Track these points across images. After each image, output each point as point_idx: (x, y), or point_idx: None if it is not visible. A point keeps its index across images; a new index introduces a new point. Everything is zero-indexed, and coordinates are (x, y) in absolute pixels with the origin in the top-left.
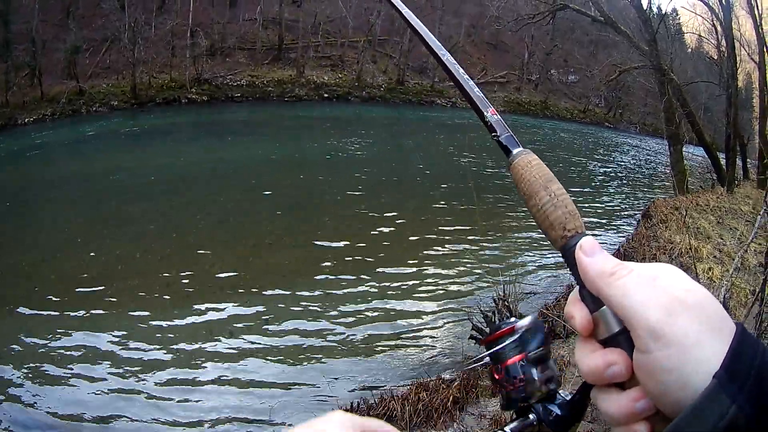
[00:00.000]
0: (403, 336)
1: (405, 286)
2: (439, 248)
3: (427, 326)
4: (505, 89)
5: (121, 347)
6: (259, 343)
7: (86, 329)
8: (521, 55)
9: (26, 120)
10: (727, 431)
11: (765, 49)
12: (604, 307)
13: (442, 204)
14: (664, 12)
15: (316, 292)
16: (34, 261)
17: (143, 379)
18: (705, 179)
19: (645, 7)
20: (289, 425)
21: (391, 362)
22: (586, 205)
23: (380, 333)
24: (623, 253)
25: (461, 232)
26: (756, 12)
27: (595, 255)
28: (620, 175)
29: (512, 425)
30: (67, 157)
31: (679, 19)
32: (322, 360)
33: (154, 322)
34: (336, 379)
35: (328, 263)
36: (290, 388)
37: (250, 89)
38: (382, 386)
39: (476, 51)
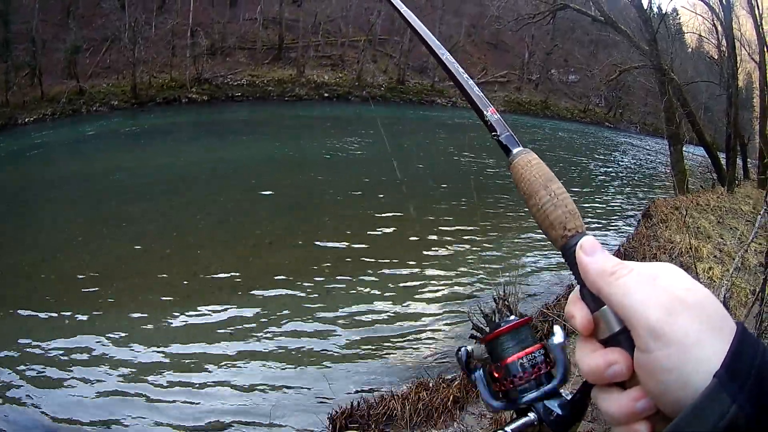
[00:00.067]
0: (403, 336)
1: (405, 286)
2: (440, 248)
3: (427, 326)
4: (506, 89)
5: (120, 348)
6: (259, 344)
7: (86, 329)
8: (521, 54)
9: (26, 120)
10: (727, 431)
11: (765, 49)
12: (605, 306)
13: (443, 204)
14: (664, 12)
15: (316, 292)
16: (34, 261)
17: (143, 380)
18: (705, 179)
19: (645, 7)
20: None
21: (392, 362)
22: (587, 204)
23: (380, 333)
24: (623, 253)
25: (461, 231)
26: (756, 12)
27: (595, 254)
28: (620, 174)
29: (513, 425)
30: (67, 157)
31: (680, 18)
32: (322, 360)
33: (153, 323)
34: (336, 379)
35: (328, 263)
36: (290, 389)
37: (251, 89)
38: (383, 386)
39: (476, 51)
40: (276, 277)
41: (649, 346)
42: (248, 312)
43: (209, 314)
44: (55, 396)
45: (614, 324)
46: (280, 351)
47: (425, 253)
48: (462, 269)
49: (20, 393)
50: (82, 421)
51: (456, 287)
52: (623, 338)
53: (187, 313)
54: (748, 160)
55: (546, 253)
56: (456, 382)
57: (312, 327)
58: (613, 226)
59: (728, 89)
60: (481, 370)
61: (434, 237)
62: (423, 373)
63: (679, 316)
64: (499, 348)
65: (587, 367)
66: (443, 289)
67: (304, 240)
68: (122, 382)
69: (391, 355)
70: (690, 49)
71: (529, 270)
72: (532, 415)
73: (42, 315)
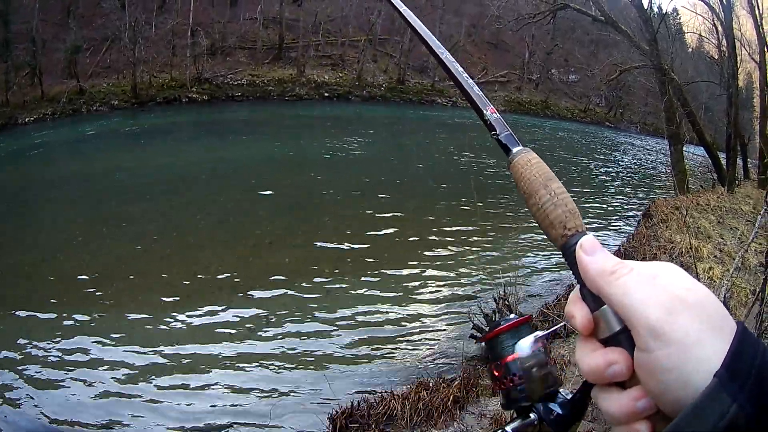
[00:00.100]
0: (403, 335)
1: (405, 286)
2: (440, 248)
3: (427, 326)
4: (506, 89)
5: (120, 348)
6: (259, 344)
7: (86, 329)
8: (522, 54)
9: (26, 119)
10: (727, 430)
11: (765, 49)
12: (605, 306)
13: (443, 204)
14: (664, 12)
15: (316, 292)
16: (34, 261)
17: (143, 381)
18: (705, 179)
19: (645, 7)
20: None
21: (392, 362)
22: (587, 204)
23: (380, 332)
24: (624, 253)
25: (462, 231)
26: (756, 12)
27: (595, 254)
28: (621, 174)
29: (513, 424)
30: (68, 156)
31: (680, 18)
32: (322, 360)
33: (153, 323)
34: (336, 379)
35: (328, 263)
36: (290, 389)
37: (251, 88)
38: (383, 386)
39: (477, 50)
40: (276, 277)
41: (649, 346)
42: (248, 312)
43: (209, 314)
44: (54, 396)
45: (614, 323)
46: (279, 351)
47: (425, 253)
48: (462, 269)
49: (19, 393)
50: (81, 421)
51: (456, 287)
52: (623, 338)
53: (187, 314)
54: (749, 160)
55: (546, 253)
56: (456, 382)
57: (312, 327)
58: (613, 225)
59: (728, 89)
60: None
61: (434, 237)
62: (423, 372)
63: (680, 315)
64: (498, 346)
65: (587, 367)
66: (443, 289)
67: (304, 240)
68: (122, 382)
69: (392, 355)
70: (690, 49)
71: (530, 270)
72: (532, 415)
73: (42, 315)
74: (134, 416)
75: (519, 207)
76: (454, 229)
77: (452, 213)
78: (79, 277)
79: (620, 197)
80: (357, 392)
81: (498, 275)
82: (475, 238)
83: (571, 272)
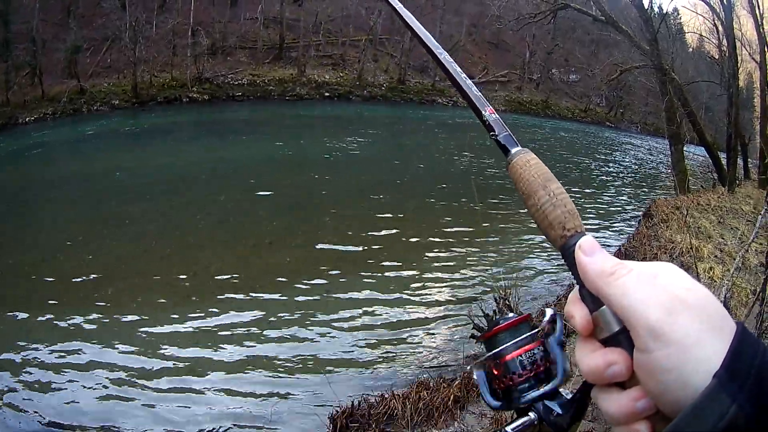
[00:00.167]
0: (404, 335)
1: (405, 286)
2: (440, 248)
3: (428, 326)
4: (507, 88)
5: (120, 349)
6: (259, 344)
7: (85, 330)
8: (522, 54)
9: (27, 119)
10: (727, 431)
11: (766, 49)
12: (604, 306)
13: (443, 204)
14: (665, 11)
15: (317, 292)
16: (34, 261)
17: (142, 382)
18: (706, 179)
19: (646, 7)
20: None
21: (392, 362)
22: (588, 204)
23: (381, 332)
24: (624, 253)
25: (462, 231)
26: (757, 12)
27: (594, 254)
28: (621, 174)
29: (513, 425)
30: (68, 156)
31: (680, 18)
32: (323, 360)
33: (153, 323)
34: (336, 378)
35: (329, 263)
36: (291, 389)
37: (252, 88)
38: (383, 385)
39: (477, 50)
40: (276, 277)
41: (649, 346)
42: (248, 312)
43: (209, 314)
44: (52, 398)
45: (614, 324)
46: (280, 351)
47: (426, 253)
48: (463, 269)
49: (18, 395)
50: (80, 424)
51: (457, 287)
52: (623, 338)
53: (186, 314)
54: (749, 160)
55: (547, 253)
56: (456, 382)
57: (312, 327)
58: (613, 225)
59: (729, 89)
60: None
61: (435, 237)
62: (423, 372)
63: (679, 316)
64: (497, 345)
65: (587, 367)
66: (444, 289)
67: (304, 240)
68: (122, 384)
69: (392, 355)
70: (691, 49)
71: (531, 270)
72: (532, 415)
73: (42, 315)
74: (134, 418)
75: (519, 207)
76: (455, 229)
77: (453, 213)
78: (79, 277)
79: (621, 197)
80: (357, 392)
81: (499, 275)
82: (476, 239)
83: (570, 272)
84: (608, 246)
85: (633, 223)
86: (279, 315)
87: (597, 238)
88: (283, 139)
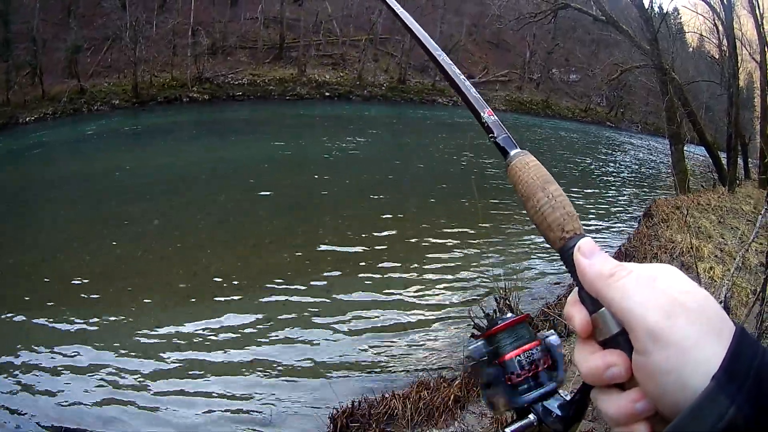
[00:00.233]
0: (404, 335)
1: (406, 286)
2: (441, 248)
3: (428, 325)
4: (507, 88)
5: (120, 350)
6: (259, 344)
7: (85, 331)
8: (523, 54)
9: (27, 119)
10: None
11: (766, 49)
12: (603, 308)
13: (443, 204)
14: (665, 11)
15: (317, 292)
16: (34, 261)
17: (142, 383)
18: (706, 179)
19: (646, 7)
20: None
21: (392, 361)
22: (588, 204)
23: (381, 332)
24: (624, 252)
25: (463, 231)
26: (757, 12)
27: (593, 257)
28: (622, 174)
29: (513, 426)
30: (68, 156)
31: (681, 18)
32: (323, 360)
33: (153, 324)
34: (337, 378)
35: (329, 263)
36: (291, 389)
37: (252, 88)
38: (384, 385)
39: (478, 50)
40: (276, 277)
41: (648, 349)
42: (248, 312)
43: (209, 315)
44: (51, 400)
45: (613, 326)
46: (280, 351)
47: (426, 253)
48: (463, 269)
49: (16, 396)
50: (79, 426)
51: (457, 287)
52: (622, 340)
53: (186, 314)
54: (749, 159)
55: (548, 253)
56: (457, 382)
57: (312, 327)
58: (614, 225)
59: (729, 89)
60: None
61: (435, 237)
62: (424, 372)
63: (679, 318)
64: (496, 345)
65: (586, 369)
66: (444, 289)
67: (305, 240)
68: (121, 385)
69: (392, 355)
70: (691, 49)
71: (531, 270)
72: (531, 416)
73: (41, 315)
74: (133, 420)
75: (520, 207)
76: (455, 229)
77: (453, 213)
78: (78, 277)
79: (621, 197)
80: (358, 391)
81: (499, 275)
82: (476, 239)
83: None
84: (609, 246)
85: (633, 222)
86: (279, 315)
87: (597, 237)
88: (283, 139)
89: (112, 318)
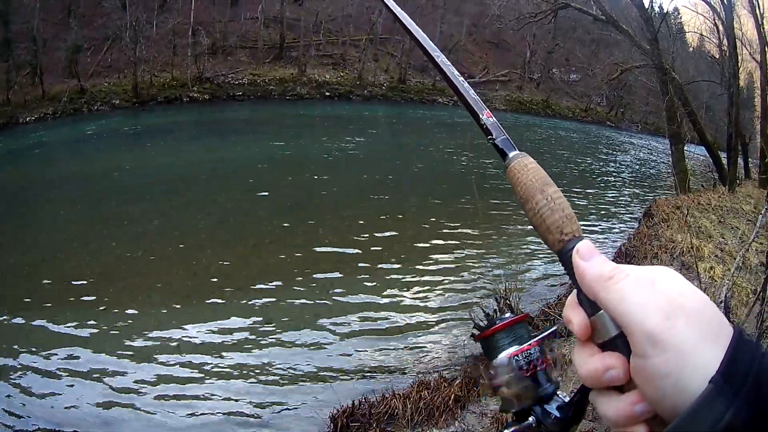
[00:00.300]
0: (404, 335)
1: (406, 286)
2: (441, 248)
3: (429, 325)
4: (507, 88)
5: (119, 351)
6: (260, 344)
7: (85, 331)
8: (523, 53)
9: (27, 119)
10: None
11: (766, 49)
12: (602, 311)
13: (443, 204)
14: (665, 11)
15: (317, 292)
16: (34, 261)
17: (141, 385)
18: (707, 178)
19: (646, 6)
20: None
21: (393, 361)
22: (588, 204)
23: (382, 332)
24: (625, 252)
25: (463, 231)
26: (757, 11)
27: (591, 259)
28: (622, 174)
29: (512, 428)
30: (68, 156)
31: (681, 18)
32: (323, 360)
33: (153, 324)
34: (337, 378)
35: (329, 263)
36: (291, 389)
37: (252, 88)
38: (384, 385)
39: (478, 50)
40: (276, 277)
41: (647, 352)
42: (248, 312)
43: (209, 315)
44: (49, 402)
45: (611, 328)
46: (280, 351)
47: (426, 253)
48: (463, 269)
49: (15, 399)
50: (77, 429)
51: (457, 287)
52: (620, 343)
53: (186, 314)
54: (750, 159)
55: (548, 253)
56: (457, 381)
57: (313, 326)
58: (614, 225)
59: (729, 89)
60: None
61: (435, 237)
62: (424, 372)
63: (677, 321)
64: (494, 345)
65: (585, 371)
66: (444, 289)
67: (305, 240)
68: (121, 388)
69: (393, 355)
70: (691, 49)
71: (532, 270)
72: (530, 419)
73: (41, 316)
74: (133, 423)
75: (520, 208)
76: (455, 230)
77: (453, 213)
78: (78, 277)
79: (621, 196)
80: (358, 391)
81: (499, 275)
82: (476, 239)
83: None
84: (609, 246)
85: (633, 222)
86: (279, 315)
87: (598, 237)
88: (283, 138)
89: (112, 318)
